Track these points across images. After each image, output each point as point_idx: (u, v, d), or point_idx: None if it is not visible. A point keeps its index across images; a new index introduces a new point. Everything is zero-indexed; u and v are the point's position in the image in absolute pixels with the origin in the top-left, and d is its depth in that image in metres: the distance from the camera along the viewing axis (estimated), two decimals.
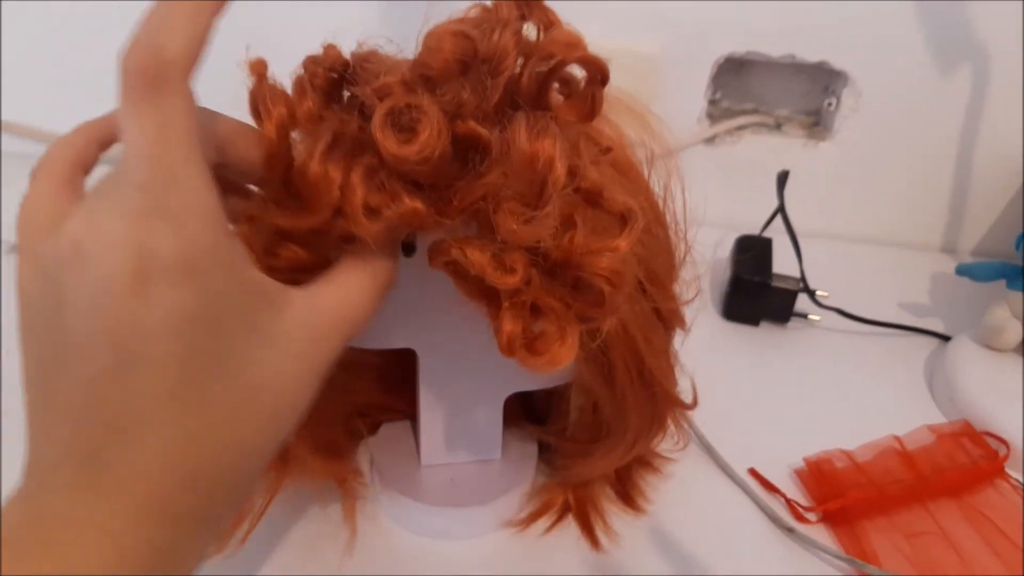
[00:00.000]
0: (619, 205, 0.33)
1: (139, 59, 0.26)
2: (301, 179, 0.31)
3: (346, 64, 0.35)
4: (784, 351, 0.66)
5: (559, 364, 0.33)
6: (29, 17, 0.77)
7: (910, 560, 0.49)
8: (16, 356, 0.30)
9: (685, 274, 0.45)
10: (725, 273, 0.70)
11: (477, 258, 0.32)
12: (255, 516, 0.46)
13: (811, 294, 0.65)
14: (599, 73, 0.33)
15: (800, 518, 0.51)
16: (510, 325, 0.33)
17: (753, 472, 0.54)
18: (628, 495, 0.51)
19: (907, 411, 0.60)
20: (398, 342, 0.43)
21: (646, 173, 0.42)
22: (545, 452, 0.53)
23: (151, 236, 0.26)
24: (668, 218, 0.43)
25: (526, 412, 0.53)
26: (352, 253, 0.34)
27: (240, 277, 0.29)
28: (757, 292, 0.66)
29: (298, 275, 0.34)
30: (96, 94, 0.78)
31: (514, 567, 0.47)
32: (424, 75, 0.31)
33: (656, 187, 0.43)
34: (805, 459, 0.54)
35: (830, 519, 0.51)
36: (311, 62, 0.35)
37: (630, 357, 0.40)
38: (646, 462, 0.53)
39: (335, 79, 0.35)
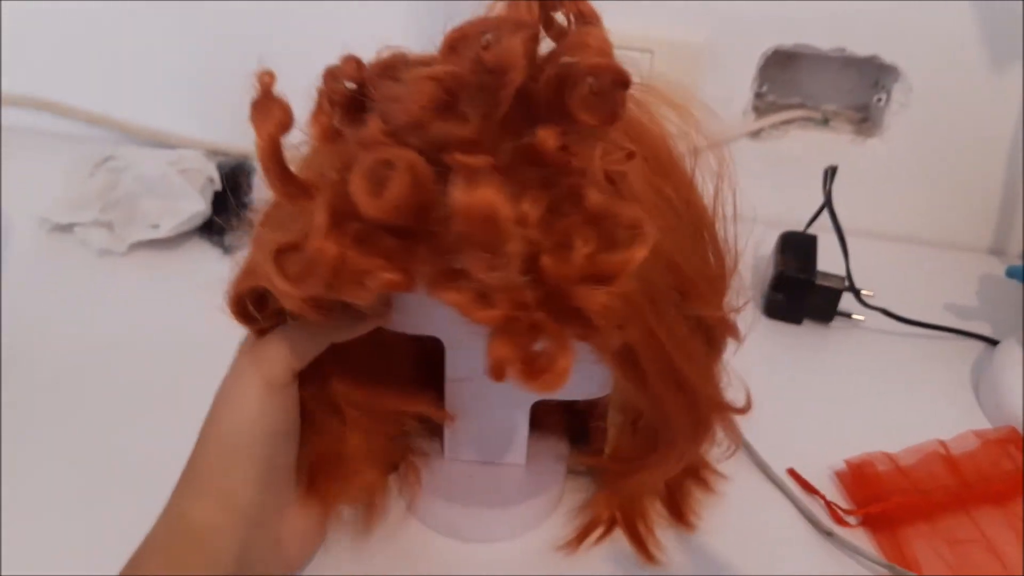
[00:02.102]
0: (627, 221, 0.32)
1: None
2: (300, 252, 0.33)
3: (363, 77, 0.35)
4: (827, 351, 0.65)
5: (555, 387, 0.33)
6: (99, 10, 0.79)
7: (952, 568, 0.48)
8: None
9: (734, 282, 0.43)
10: (768, 270, 0.69)
11: (455, 299, 0.32)
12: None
13: (856, 293, 0.64)
14: (619, 78, 0.32)
15: (840, 521, 0.50)
16: (499, 350, 0.32)
17: (792, 472, 0.53)
18: (679, 509, 0.50)
19: (952, 415, 0.59)
20: (425, 329, 0.43)
21: (690, 167, 0.41)
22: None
23: None
24: (718, 221, 0.42)
25: (568, 429, 0.53)
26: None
27: None
28: (800, 290, 0.65)
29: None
30: (97, 64, 0.81)
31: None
32: (400, 124, 0.32)
33: (703, 183, 0.42)
34: (846, 461, 0.53)
35: (870, 523, 0.50)
36: (330, 75, 0.35)
37: (662, 365, 0.40)
38: (699, 477, 0.52)
39: (353, 92, 0.35)
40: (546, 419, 0.50)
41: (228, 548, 0.40)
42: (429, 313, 0.42)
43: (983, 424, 0.58)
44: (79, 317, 0.63)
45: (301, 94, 0.36)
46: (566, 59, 0.32)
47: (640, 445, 0.47)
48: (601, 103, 0.32)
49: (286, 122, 0.33)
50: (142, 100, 0.84)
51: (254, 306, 0.41)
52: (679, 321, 0.40)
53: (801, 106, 0.78)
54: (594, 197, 0.32)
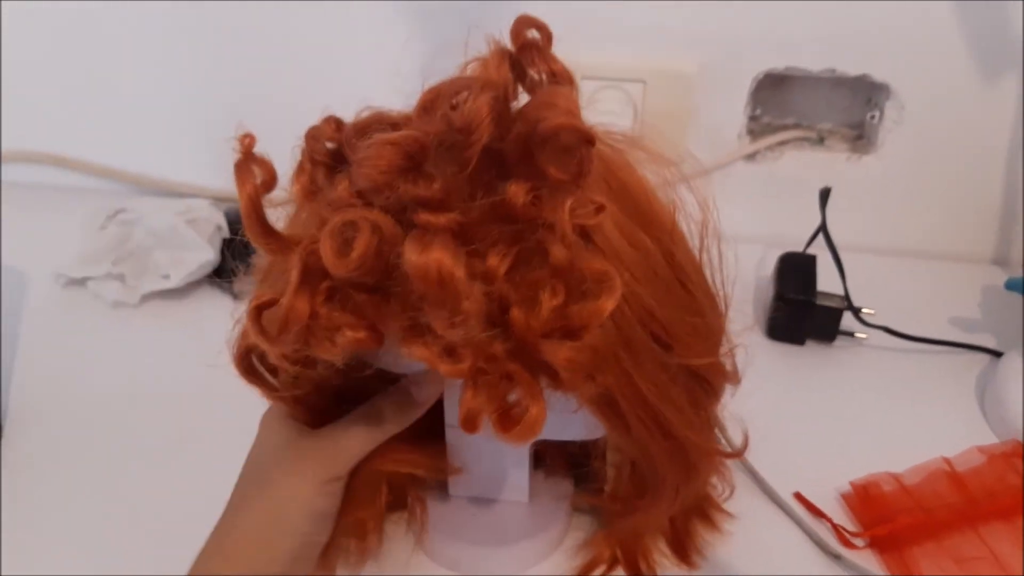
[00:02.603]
0: (593, 275, 0.33)
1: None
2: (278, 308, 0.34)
3: (339, 137, 0.37)
4: (830, 370, 0.65)
5: (528, 438, 0.33)
6: (70, 52, 0.80)
7: None
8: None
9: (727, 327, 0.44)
10: (769, 291, 0.70)
11: (423, 354, 0.33)
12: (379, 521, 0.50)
13: (856, 312, 0.65)
14: (583, 137, 0.33)
15: (847, 544, 0.51)
16: (471, 402, 0.33)
17: (799, 496, 0.54)
18: (683, 548, 0.51)
19: (957, 430, 0.59)
20: (418, 368, 0.43)
21: (671, 218, 0.42)
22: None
23: None
24: (705, 268, 0.43)
25: (572, 468, 0.54)
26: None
27: None
28: (801, 311, 0.65)
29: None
30: (101, 116, 0.83)
31: None
32: (364, 187, 0.33)
33: (689, 233, 0.43)
34: (852, 483, 0.54)
35: (878, 544, 0.51)
36: (311, 136, 0.37)
37: (644, 412, 0.40)
38: (706, 516, 0.52)
39: (334, 151, 0.37)
40: (550, 458, 0.51)
41: None
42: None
43: (989, 437, 0.59)
44: (95, 368, 0.65)
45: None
46: (532, 117, 0.33)
47: (636, 486, 0.47)
48: (569, 159, 0.33)
49: (268, 181, 0.35)
50: (148, 150, 0.86)
51: (260, 362, 0.42)
52: (660, 370, 0.40)
53: (796, 126, 0.79)
54: (558, 252, 0.33)
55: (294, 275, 0.33)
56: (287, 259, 0.34)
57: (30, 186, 0.86)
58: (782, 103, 0.78)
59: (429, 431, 0.49)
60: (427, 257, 0.30)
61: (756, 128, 0.78)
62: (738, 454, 0.48)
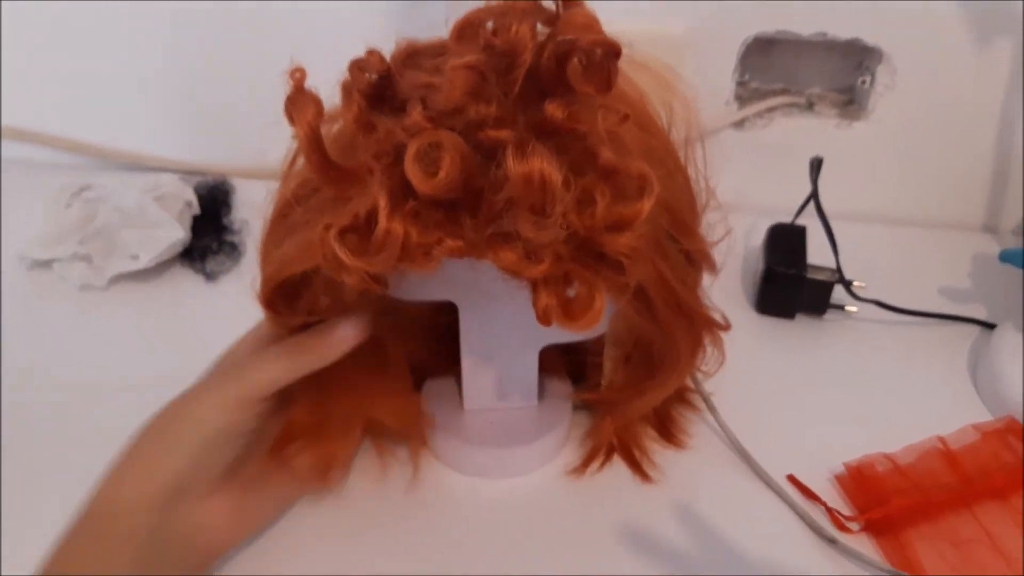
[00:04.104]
0: (635, 174, 0.37)
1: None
2: (369, 229, 0.37)
3: (388, 67, 0.39)
4: (821, 345, 0.64)
5: (592, 325, 0.38)
6: (30, 22, 0.77)
7: (956, 569, 0.47)
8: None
9: (712, 218, 0.49)
10: (758, 263, 0.68)
11: (507, 256, 0.37)
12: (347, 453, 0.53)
13: (847, 286, 0.63)
14: (612, 50, 0.36)
15: (842, 527, 0.50)
16: (544, 299, 0.38)
17: (792, 479, 0.53)
18: (668, 431, 0.56)
19: (950, 405, 0.59)
20: (439, 295, 0.47)
21: (666, 127, 0.47)
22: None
23: None
24: (691, 169, 0.48)
25: (565, 364, 0.57)
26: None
27: None
28: (791, 285, 0.64)
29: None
30: (96, 98, 0.79)
31: (553, 505, 0.52)
32: (443, 109, 0.36)
33: (678, 139, 0.48)
34: (845, 464, 0.53)
35: (873, 528, 0.50)
36: (356, 67, 0.39)
37: (667, 295, 0.45)
38: (682, 397, 0.57)
39: (379, 82, 0.39)
40: (548, 362, 0.54)
41: (142, 524, 0.42)
42: (444, 279, 0.46)
43: (982, 411, 0.58)
44: (64, 355, 0.62)
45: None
46: (562, 38, 0.36)
47: (636, 374, 0.52)
48: (597, 73, 0.36)
49: (320, 113, 0.37)
50: (113, 123, 0.82)
51: (285, 299, 0.45)
52: (676, 254, 0.45)
53: (784, 91, 0.76)
54: (606, 155, 0.37)
55: (383, 199, 0.36)
56: (344, 189, 0.38)
57: None
58: (770, 67, 0.76)
59: (404, 386, 0.54)
60: (529, 165, 0.34)
61: (744, 94, 0.76)
62: (726, 327, 0.51)
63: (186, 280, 0.69)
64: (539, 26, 0.39)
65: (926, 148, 0.75)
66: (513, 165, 0.34)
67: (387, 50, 0.43)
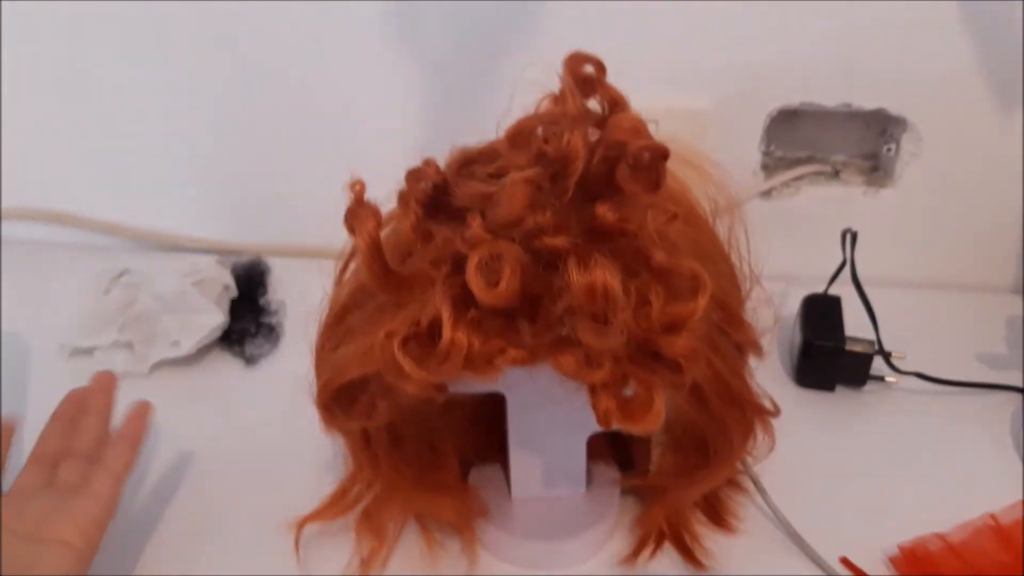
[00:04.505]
0: (687, 274, 0.38)
1: None
2: (434, 339, 0.37)
3: (444, 177, 0.41)
4: (863, 419, 0.64)
5: (654, 427, 0.38)
6: (63, 98, 0.78)
7: None
8: None
9: (756, 304, 0.50)
10: (793, 334, 0.69)
11: (568, 362, 0.37)
12: (390, 546, 0.53)
13: (887, 358, 0.63)
14: (660, 153, 0.37)
15: None
16: (604, 403, 0.38)
17: (846, 562, 0.52)
18: (718, 515, 0.55)
19: (997, 476, 0.59)
20: (487, 388, 0.46)
21: (710, 218, 0.49)
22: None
23: None
24: (734, 256, 0.49)
25: (612, 448, 0.57)
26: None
27: None
28: (831, 358, 0.64)
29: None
30: (99, 171, 0.80)
31: None
32: (503, 222, 0.37)
33: (720, 229, 0.49)
34: (900, 546, 0.53)
35: None
36: (412, 177, 0.41)
37: (720, 388, 0.45)
38: (731, 480, 0.56)
39: (435, 191, 0.40)
40: (595, 448, 0.53)
41: None
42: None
43: None
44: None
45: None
46: (612, 141, 0.38)
47: (686, 459, 0.52)
48: (645, 175, 0.37)
49: (379, 224, 0.38)
50: (148, 204, 0.83)
51: (342, 404, 0.45)
52: (727, 346, 0.46)
53: (810, 160, 0.77)
54: (659, 257, 0.37)
55: (446, 310, 0.36)
56: (403, 297, 0.39)
57: (29, 244, 0.83)
58: (794, 136, 0.77)
59: (456, 478, 0.55)
60: (591, 276, 0.34)
61: (770, 163, 0.77)
62: (776, 413, 0.51)
63: (226, 365, 0.70)
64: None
65: (952, 213, 0.76)
66: (576, 276, 0.35)
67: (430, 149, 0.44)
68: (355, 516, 0.53)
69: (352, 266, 0.49)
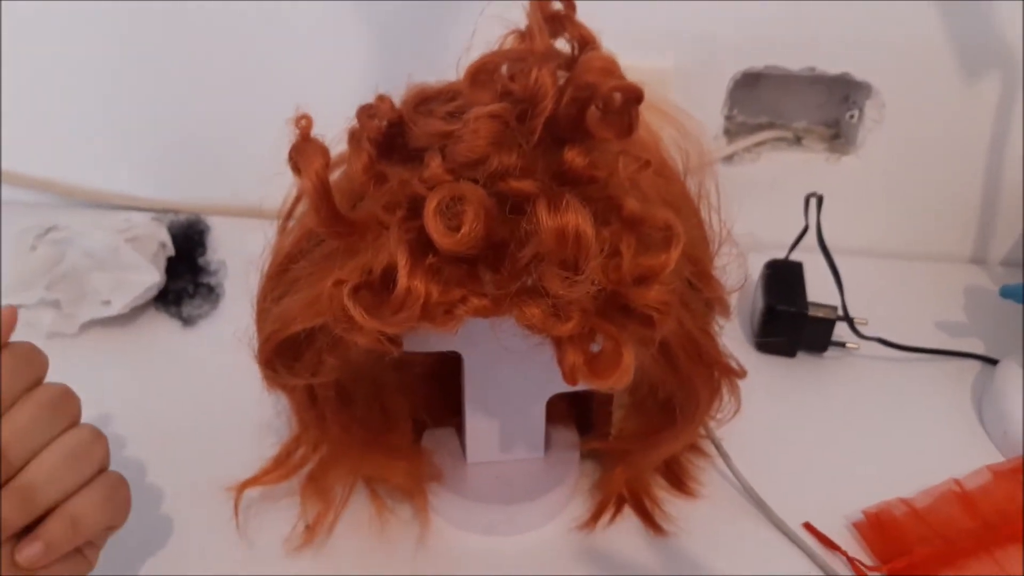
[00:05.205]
0: (660, 224, 0.36)
1: None
2: (388, 287, 0.34)
3: (399, 114, 0.38)
4: (824, 384, 0.63)
5: (623, 382, 0.36)
6: (28, 66, 0.73)
7: None
8: None
9: (726, 260, 0.47)
10: (754, 299, 0.67)
11: (533, 314, 0.35)
12: (337, 512, 0.50)
13: (851, 323, 0.62)
14: (634, 95, 0.35)
15: None
16: (571, 357, 0.36)
17: (809, 527, 0.51)
18: (679, 480, 0.53)
19: (959, 442, 0.58)
20: (443, 346, 0.44)
21: (681, 171, 0.47)
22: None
23: None
24: (704, 211, 0.47)
25: (571, 410, 0.55)
26: None
27: None
28: (794, 323, 0.63)
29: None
30: (60, 133, 0.76)
31: (562, 562, 0.49)
32: (465, 161, 0.35)
33: (691, 183, 0.47)
34: (864, 511, 0.51)
35: None
36: (364, 113, 0.38)
37: (689, 345, 0.43)
38: (692, 444, 0.55)
39: (390, 129, 0.38)
40: (554, 411, 0.51)
41: None
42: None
43: (990, 449, 0.57)
44: None
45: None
46: (582, 82, 0.35)
47: (648, 422, 0.50)
48: (617, 119, 0.35)
49: (328, 164, 0.35)
50: (82, 161, 0.78)
51: (285, 360, 0.41)
52: (696, 302, 0.43)
53: (771, 126, 0.76)
54: (631, 205, 0.35)
55: (402, 256, 0.33)
56: (352, 242, 0.36)
57: None
58: (756, 101, 0.75)
59: (408, 442, 0.52)
60: (563, 219, 0.32)
61: (732, 128, 0.76)
62: (744, 373, 0.49)
63: (162, 326, 0.65)
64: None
65: (914, 181, 0.75)
66: (546, 219, 0.32)
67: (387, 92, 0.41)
68: (300, 480, 0.50)
69: (297, 212, 0.45)
